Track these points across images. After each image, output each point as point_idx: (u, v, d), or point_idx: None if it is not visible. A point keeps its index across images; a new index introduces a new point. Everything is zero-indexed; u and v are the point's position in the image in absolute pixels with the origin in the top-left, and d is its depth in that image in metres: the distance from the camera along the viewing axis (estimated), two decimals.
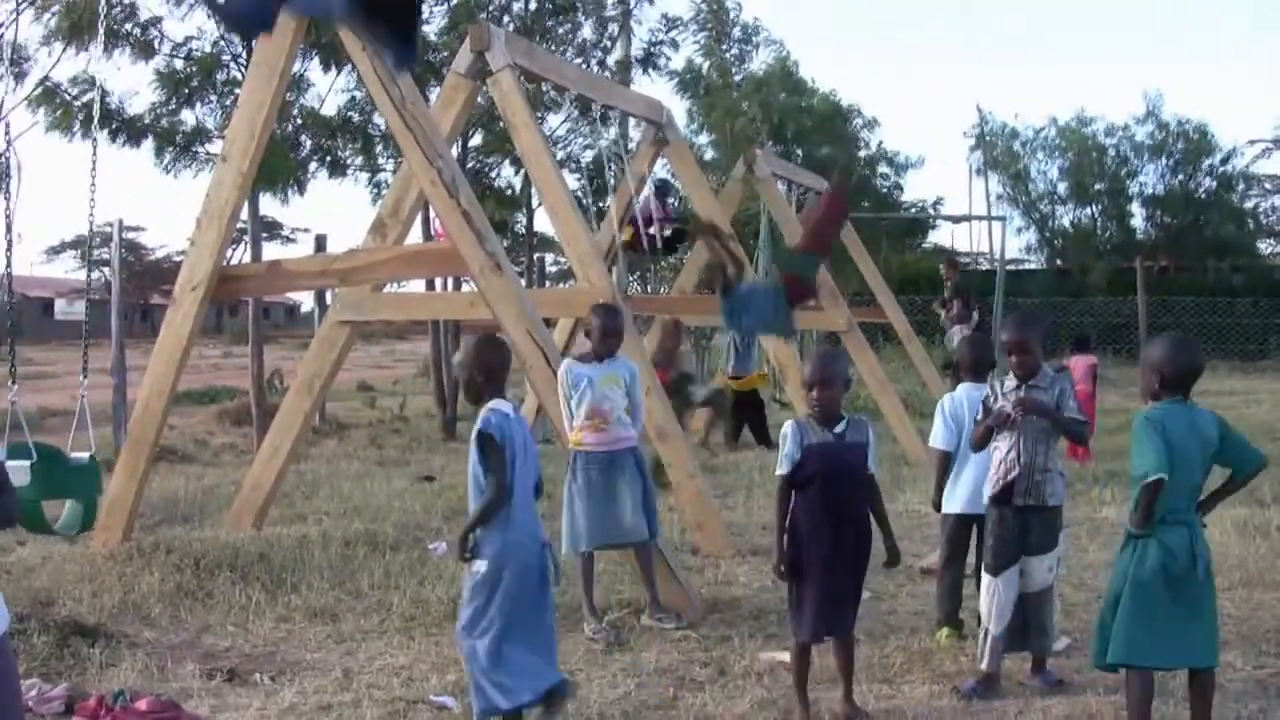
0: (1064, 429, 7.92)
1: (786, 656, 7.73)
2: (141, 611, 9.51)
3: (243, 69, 18.31)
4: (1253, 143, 63.67)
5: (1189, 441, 6.43)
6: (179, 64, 20.66)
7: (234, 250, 50.35)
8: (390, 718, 7.31)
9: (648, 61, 26.81)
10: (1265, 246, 59.74)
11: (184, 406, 25.64)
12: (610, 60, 26.27)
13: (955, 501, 8.99)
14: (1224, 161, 51.05)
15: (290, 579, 10.38)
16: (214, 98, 20.74)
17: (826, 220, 14.77)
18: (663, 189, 19.10)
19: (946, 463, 8.99)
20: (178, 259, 12.77)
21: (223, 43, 20.45)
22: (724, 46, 36.96)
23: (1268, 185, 62.87)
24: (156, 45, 20.55)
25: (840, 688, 7.36)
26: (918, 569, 10.76)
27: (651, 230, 17.91)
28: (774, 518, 7.34)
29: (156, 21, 20.49)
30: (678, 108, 38.61)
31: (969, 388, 9.05)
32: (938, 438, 9.04)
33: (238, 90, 13.63)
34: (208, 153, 20.35)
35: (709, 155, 39.27)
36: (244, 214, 18.40)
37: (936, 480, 9.09)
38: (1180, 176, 50.78)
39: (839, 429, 7.26)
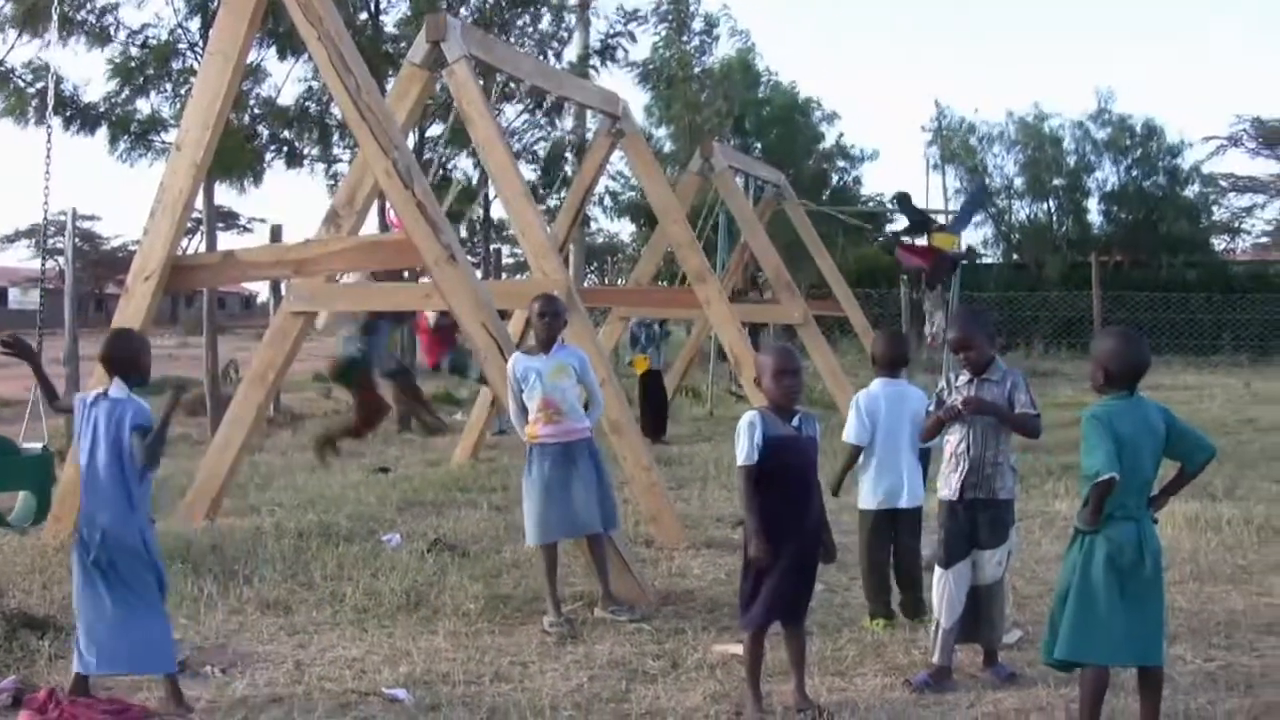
0: (1015, 425, 7.94)
1: (740, 649, 7.72)
2: None
3: (199, 57, 18.25)
4: (1207, 139, 64.18)
5: (1138, 437, 6.43)
6: (134, 52, 20.57)
7: (190, 240, 50.29)
8: (342, 710, 7.26)
9: (605, 53, 26.81)
10: (1220, 243, 60.14)
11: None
12: (569, 53, 26.28)
13: (874, 498, 9.08)
14: (1176, 156, 51.25)
15: (242, 571, 10.32)
16: (169, 86, 20.67)
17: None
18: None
19: (855, 457, 9.17)
20: (133, 248, 12.76)
21: (179, 31, 20.38)
22: (684, 38, 36.97)
23: (1223, 183, 63.30)
24: (112, 33, 20.51)
25: (792, 680, 7.36)
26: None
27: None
28: (744, 509, 7.29)
29: (112, 8, 20.42)
30: (638, 99, 38.60)
31: (884, 383, 9.17)
32: (850, 432, 9.16)
33: (194, 79, 13.56)
34: (163, 141, 20.29)
35: (668, 148, 39.27)
36: (199, 204, 18.41)
37: (839, 470, 9.28)
38: (1135, 173, 50.92)
39: (796, 422, 7.28)
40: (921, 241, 18.04)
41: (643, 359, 21.58)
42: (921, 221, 18.37)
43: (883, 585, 9.18)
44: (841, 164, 47.75)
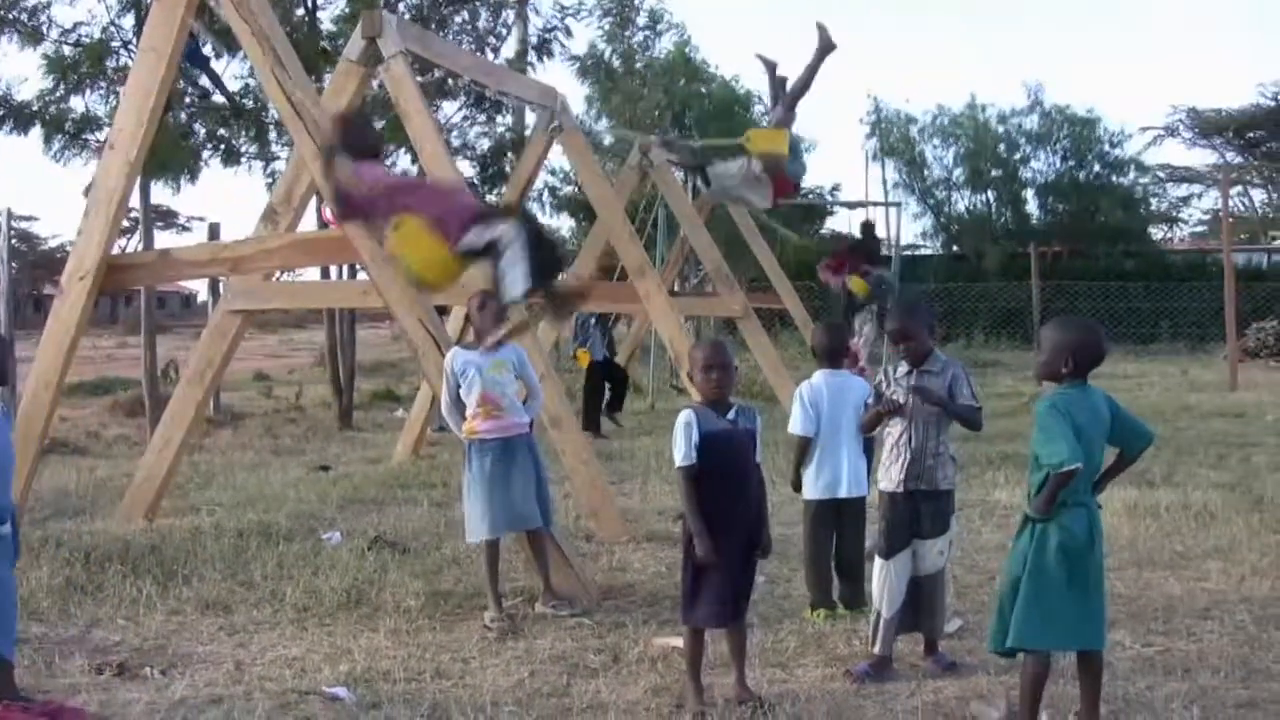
0: (956, 416, 7.98)
1: (680, 642, 7.73)
2: (30, 606, 9.32)
3: (133, 55, 18.11)
4: (1144, 129, 64.65)
5: (1091, 425, 6.46)
6: (68, 50, 20.39)
7: (128, 239, 49.90)
8: (282, 709, 7.23)
9: (543, 49, 26.73)
10: (1158, 233, 60.56)
11: (77, 398, 25.40)
12: (506, 47, 26.20)
13: (816, 488, 9.13)
14: (1114, 147, 51.56)
15: (182, 571, 10.29)
16: (104, 85, 20.50)
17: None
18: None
19: (806, 447, 9.18)
20: (71, 249, 12.67)
21: (113, 29, 20.23)
22: (627, 32, 36.95)
23: (1160, 173, 63.77)
24: (45, 31, 20.31)
25: (733, 672, 7.37)
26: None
27: None
28: (685, 508, 7.29)
29: (44, 7, 20.25)
30: (579, 93, 38.57)
31: (826, 374, 9.22)
32: (796, 423, 9.19)
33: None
34: (98, 140, 20.09)
35: (608, 141, 39.22)
36: (136, 202, 18.29)
37: (795, 463, 9.30)
38: (1072, 163, 51.19)
39: (731, 415, 7.28)
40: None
41: (584, 352, 21.57)
42: (869, 254, 18.53)
43: (824, 576, 9.21)
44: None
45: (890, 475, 7.92)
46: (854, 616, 8.87)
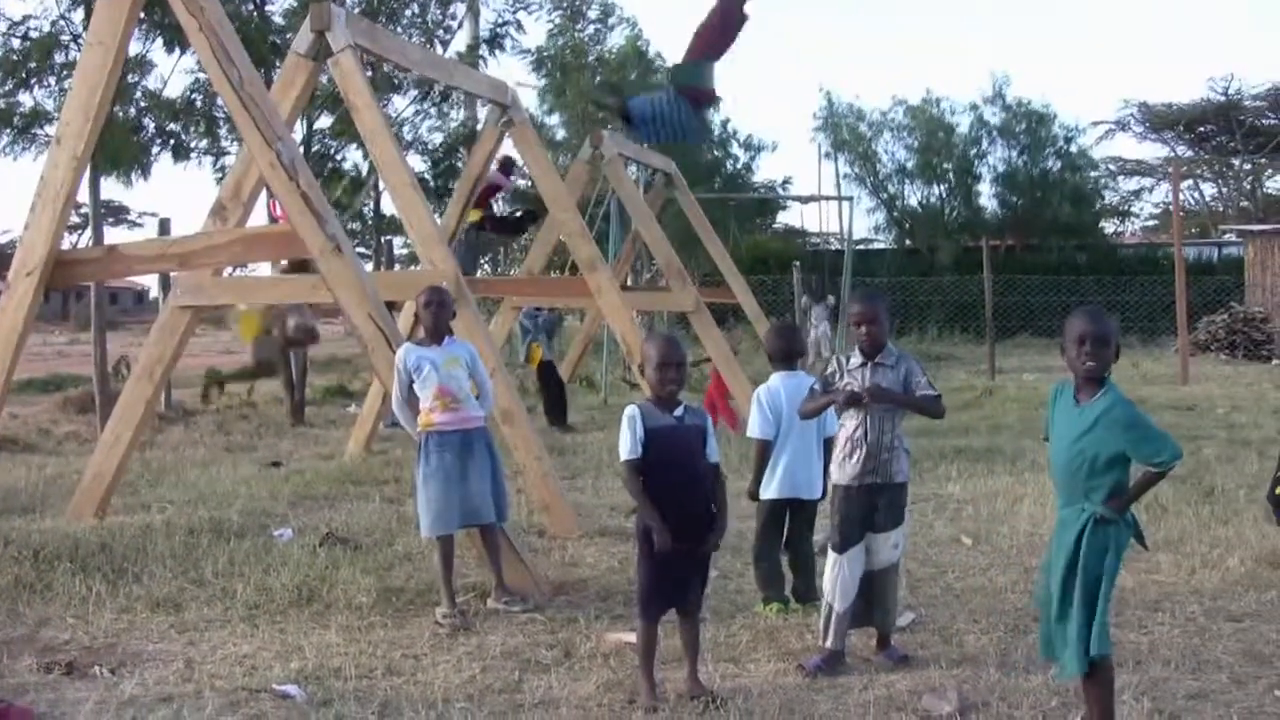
0: (918, 409, 7.98)
1: (633, 637, 7.72)
2: None
3: (82, 50, 18.04)
4: (1096, 124, 65.09)
5: None
6: (16, 44, 20.29)
7: (79, 235, 49.66)
8: (232, 708, 7.19)
9: (494, 43, 26.71)
10: (1110, 226, 60.97)
11: (28, 395, 25.26)
12: (457, 41, 26.18)
13: (771, 488, 9.14)
14: (1068, 142, 51.83)
15: (132, 569, 10.22)
16: (53, 79, 20.40)
17: (719, 25, 14.54)
18: (506, 163, 19.06)
19: (766, 451, 9.18)
20: (18, 244, 12.52)
21: (62, 23, 20.11)
22: (578, 26, 36.95)
23: (1111, 167, 64.22)
24: None
25: (686, 667, 7.37)
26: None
27: (499, 198, 18.02)
28: (636, 501, 7.29)
29: None
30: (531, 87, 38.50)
31: (782, 376, 9.24)
32: (755, 427, 9.20)
33: None
34: (47, 135, 19.99)
35: (560, 135, 39.21)
36: (85, 198, 18.19)
37: (755, 470, 9.30)
38: (1025, 157, 51.43)
39: (678, 413, 7.27)
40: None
41: (536, 348, 21.57)
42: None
43: (774, 572, 9.22)
44: (735, 152, 47.71)
45: (845, 470, 7.90)
46: (806, 611, 8.87)
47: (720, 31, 14.59)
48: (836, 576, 7.88)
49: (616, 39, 39.47)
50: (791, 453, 9.09)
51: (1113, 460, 6.29)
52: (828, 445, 9.05)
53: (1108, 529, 6.33)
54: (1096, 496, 6.32)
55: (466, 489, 9.19)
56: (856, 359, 7.96)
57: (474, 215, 19.13)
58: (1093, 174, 55.52)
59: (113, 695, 7.39)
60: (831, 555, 7.96)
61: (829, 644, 7.86)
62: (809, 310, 29.74)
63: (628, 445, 7.18)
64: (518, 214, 19.66)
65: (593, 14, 37.89)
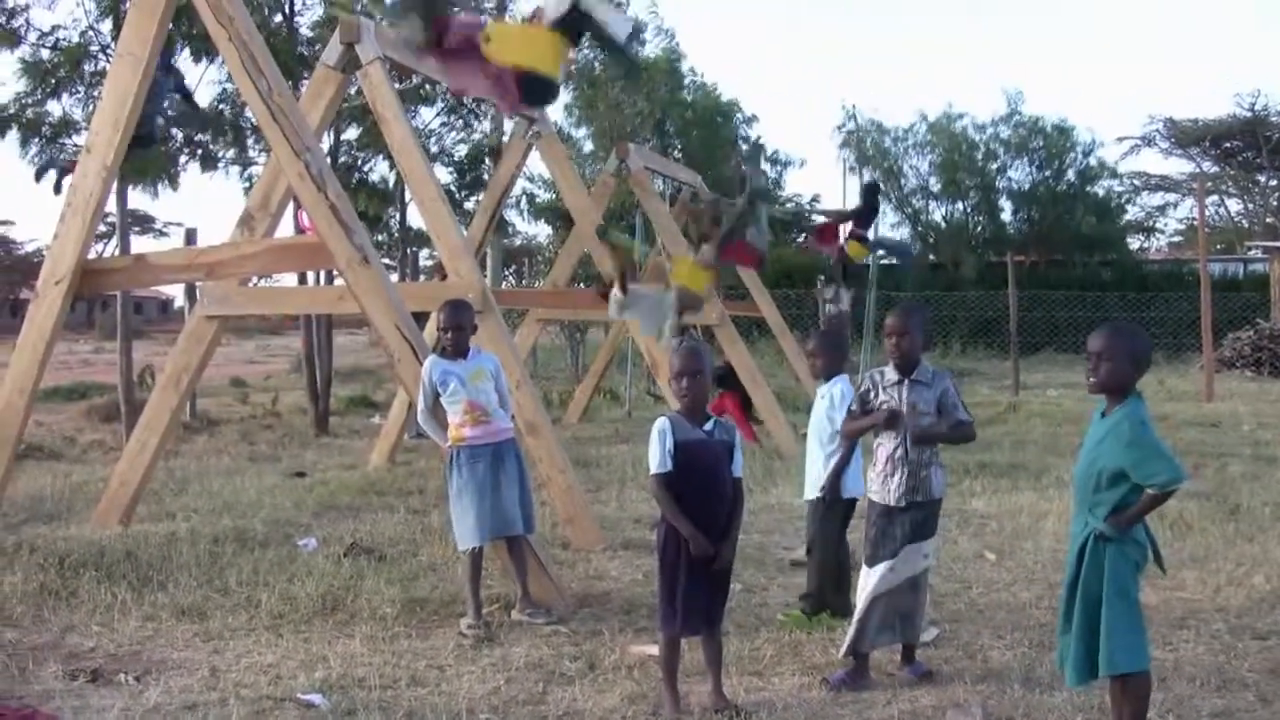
0: (955, 440, 8.02)
1: (656, 650, 7.73)
2: (3, 612, 9.34)
3: (110, 59, 18.09)
4: (1121, 140, 64.96)
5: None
6: (45, 54, 20.36)
7: (105, 244, 49.76)
8: (257, 716, 7.21)
9: None
10: (1135, 242, 60.83)
11: (53, 403, 25.34)
12: None
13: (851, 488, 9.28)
14: (1086, 154, 51.74)
15: (157, 577, 10.25)
16: (82, 89, 20.46)
17: (737, 256, 14.64)
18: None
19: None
20: (47, 253, 12.54)
21: (91, 33, 20.18)
22: None
23: (1135, 182, 64.06)
24: (22, 34, 20.27)
25: (709, 680, 7.37)
26: (788, 562, 10.84)
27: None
28: (666, 512, 7.25)
29: (22, 10, 20.22)
30: (559, 99, 38.47)
31: (844, 380, 9.35)
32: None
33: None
34: (75, 145, 20.04)
35: (588, 148, 39.22)
36: (113, 207, 18.24)
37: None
38: (1047, 172, 51.32)
39: (708, 427, 7.28)
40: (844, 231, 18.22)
41: None
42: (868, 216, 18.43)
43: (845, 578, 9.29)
44: (762, 167, 47.66)
45: (888, 488, 7.88)
46: (830, 625, 8.86)
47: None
48: (868, 589, 7.87)
49: (652, 50, 39.42)
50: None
51: (1116, 476, 6.25)
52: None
53: (1107, 547, 6.29)
54: (1100, 512, 6.30)
55: (499, 499, 9.23)
56: (892, 375, 7.95)
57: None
58: (1117, 189, 55.44)
59: (138, 703, 7.41)
60: (864, 568, 7.96)
61: (857, 650, 7.85)
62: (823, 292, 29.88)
63: (657, 458, 7.19)
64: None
65: None
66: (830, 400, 9.43)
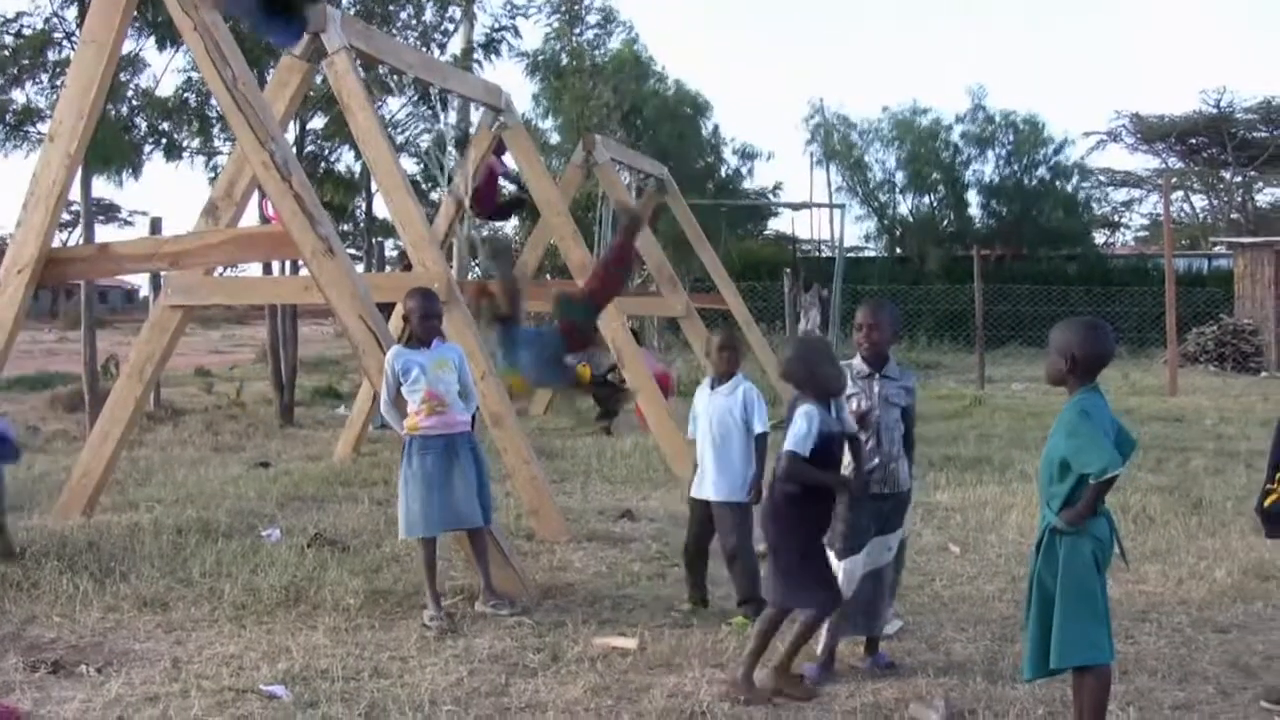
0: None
1: (621, 642, 7.75)
2: None
3: (75, 47, 18.00)
4: (1087, 134, 65.23)
5: (1110, 429, 6.30)
6: (9, 40, 20.24)
7: (70, 233, 49.54)
8: (219, 708, 7.18)
9: (490, 47, 26.68)
10: (1100, 237, 61.07)
11: (17, 392, 25.26)
12: (453, 45, 26.15)
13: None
14: (1057, 152, 51.85)
15: (119, 568, 10.21)
16: (45, 77, 20.35)
17: (612, 268, 14.10)
18: (500, 147, 19.07)
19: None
20: (10, 241, 12.45)
21: (55, 20, 20.06)
22: (577, 31, 36.90)
23: (1101, 178, 64.34)
24: None
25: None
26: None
27: (503, 183, 18.09)
28: (812, 477, 7.51)
29: None
30: (526, 89, 38.52)
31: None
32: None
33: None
34: (39, 133, 19.93)
35: (555, 140, 39.18)
36: (77, 196, 18.15)
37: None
38: (1015, 167, 51.44)
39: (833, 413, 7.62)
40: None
41: (585, 368, 21.59)
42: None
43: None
44: (728, 158, 47.67)
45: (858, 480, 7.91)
46: (791, 620, 8.85)
47: (616, 274, 14.11)
48: (841, 580, 7.87)
49: (614, 43, 39.40)
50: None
51: (1065, 467, 6.27)
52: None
53: (1062, 540, 6.30)
54: (1055, 504, 6.33)
55: (450, 493, 9.19)
56: (863, 368, 7.97)
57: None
58: (1083, 185, 55.59)
59: (99, 694, 7.38)
60: (832, 560, 7.96)
61: (823, 644, 7.87)
62: (800, 301, 29.97)
63: (800, 437, 7.41)
64: (506, 196, 19.59)
65: (593, 19, 37.84)
66: (743, 401, 9.30)
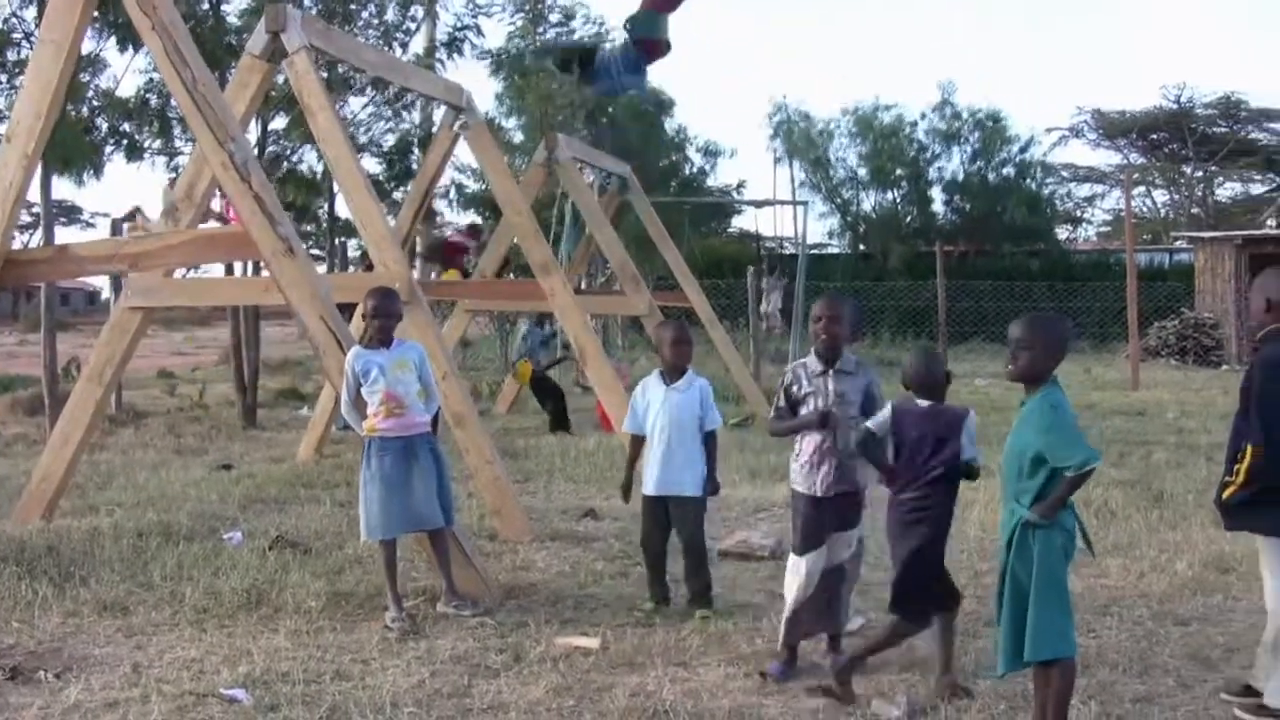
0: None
1: (583, 641, 7.73)
2: None
3: (33, 47, 17.92)
4: (1050, 130, 65.44)
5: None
6: None
7: (30, 234, 49.29)
8: (179, 712, 7.15)
9: (452, 46, 26.61)
10: (1063, 233, 61.28)
11: None
12: (415, 44, 26.10)
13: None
14: (1023, 150, 52.02)
15: (79, 572, 10.15)
16: (4, 77, 20.25)
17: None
18: (473, 229, 19.41)
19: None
20: None
21: (13, 20, 19.97)
22: (540, 29, 36.85)
23: (1064, 173, 64.57)
24: None
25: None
26: (716, 552, 10.82)
27: (468, 259, 18.65)
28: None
29: None
30: (489, 88, 38.49)
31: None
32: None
33: None
34: None
35: (518, 138, 39.12)
36: (37, 197, 18.06)
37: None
38: (979, 163, 51.58)
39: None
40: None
41: (525, 364, 21.62)
42: None
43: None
44: (691, 156, 47.68)
45: (814, 479, 7.90)
46: (756, 614, 8.87)
47: None
48: (796, 578, 7.88)
49: (581, 39, 39.28)
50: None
51: (1036, 462, 6.31)
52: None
53: (1035, 534, 6.33)
54: (1026, 499, 6.36)
55: (410, 495, 9.17)
56: (816, 365, 7.96)
57: (450, 274, 19.72)
58: (1047, 180, 55.80)
59: (58, 700, 7.34)
60: (792, 558, 7.98)
61: (784, 642, 7.88)
62: (764, 283, 30.18)
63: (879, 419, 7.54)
64: (470, 263, 20.06)
65: (554, 17, 37.80)
66: (700, 398, 9.33)
